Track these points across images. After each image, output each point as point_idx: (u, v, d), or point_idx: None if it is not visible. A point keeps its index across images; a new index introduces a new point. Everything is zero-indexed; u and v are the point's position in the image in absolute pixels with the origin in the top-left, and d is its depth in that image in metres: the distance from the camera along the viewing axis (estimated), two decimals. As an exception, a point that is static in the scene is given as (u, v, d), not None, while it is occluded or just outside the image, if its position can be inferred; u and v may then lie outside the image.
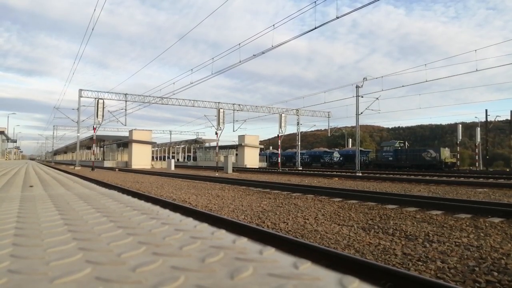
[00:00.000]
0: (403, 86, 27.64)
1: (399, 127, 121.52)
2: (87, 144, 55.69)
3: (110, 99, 31.98)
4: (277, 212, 6.71)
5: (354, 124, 30.87)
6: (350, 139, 59.22)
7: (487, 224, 5.47)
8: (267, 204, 7.87)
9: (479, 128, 38.56)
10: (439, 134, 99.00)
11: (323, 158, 45.78)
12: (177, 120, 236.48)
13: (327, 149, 50.48)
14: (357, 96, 27.29)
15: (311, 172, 26.30)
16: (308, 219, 5.88)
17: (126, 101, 32.42)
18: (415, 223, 5.57)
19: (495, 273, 3.14)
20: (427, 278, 2.81)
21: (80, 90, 30.85)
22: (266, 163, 48.55)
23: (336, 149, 48.74)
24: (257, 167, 40.97)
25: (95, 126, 30.51)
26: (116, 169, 32.56)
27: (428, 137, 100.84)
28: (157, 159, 58.29)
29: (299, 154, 42.03)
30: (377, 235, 4.74)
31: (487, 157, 37.85)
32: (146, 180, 16.69)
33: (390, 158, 35.71)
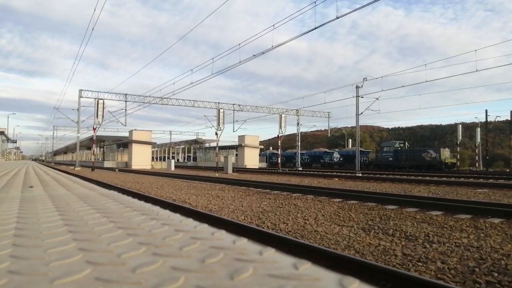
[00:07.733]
0: (403, 86, 27.78)
1: (399, 127, 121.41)
2: (87, 144, 55.70)
3: (110, 99, 31.97)
4: (277, 212, 6.71)
5: (354, 125, 30.92)
6: (350, 140, 59.28)
7: (487, 225, 5.47)
8: (267, 204, 7.86)
9: (479, 129, 38.60)
10: (439, 135, 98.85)
11: (323, 159, 45.83)
12: (177, 120, 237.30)
13: (327, 150, 50.53)
14: (357, 96, 27.32)
15: (311, 172, 26.30)
16: (308, 220, 5.87)
17: (126, 101, 32.39)
18: (415, 223, 5.57)
19: (495, 274, 3.14)
20: (427, 279, 2.81)
21: (80, 91, 30.83)
22: (266, 164, 48.58)
23: (336, 150, 48.83)
24: (257, 167, 40.97)
25: (95, 127, 30.49)
26: (116, 170, 32.55)
27: (428, 138, 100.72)
28: (157, 160, 58.32)
29: (299, 155, 42.02)
30: (377, 235, 4.74)
31: (487, 157, 37.86)
32: (146, 181, 16.68)
33: (390, 159, 35.73)
